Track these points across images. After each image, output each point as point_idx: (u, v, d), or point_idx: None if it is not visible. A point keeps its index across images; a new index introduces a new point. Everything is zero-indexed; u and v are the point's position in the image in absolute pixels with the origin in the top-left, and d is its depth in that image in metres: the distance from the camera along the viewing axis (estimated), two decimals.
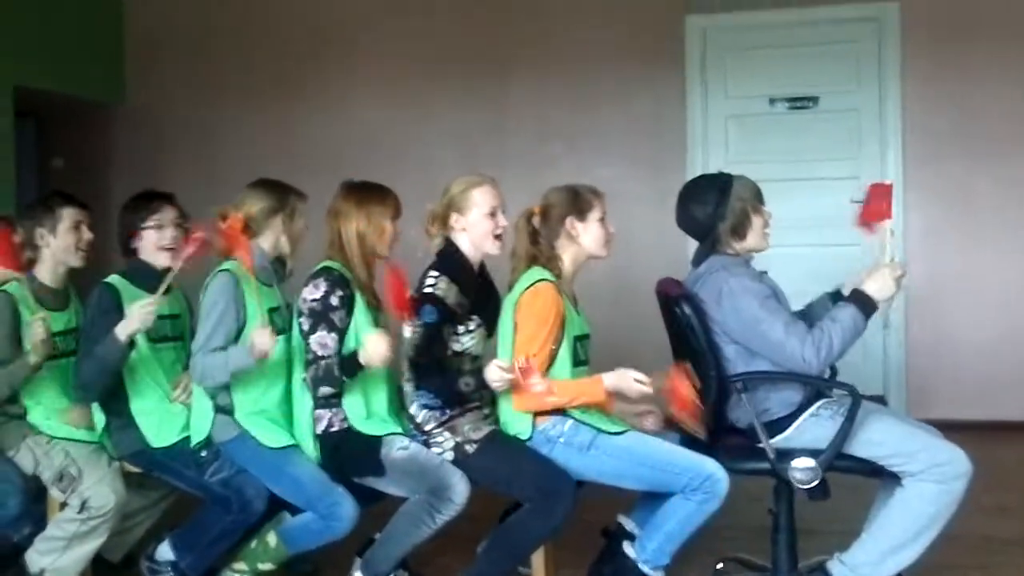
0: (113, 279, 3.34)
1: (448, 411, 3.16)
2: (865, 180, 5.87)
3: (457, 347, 3.16)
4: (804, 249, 5.74)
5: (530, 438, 3.10)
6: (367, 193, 3.27)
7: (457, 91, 6.43)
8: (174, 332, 3.41)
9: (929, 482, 2.98)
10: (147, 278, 3.31)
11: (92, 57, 6.65)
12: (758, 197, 3.27)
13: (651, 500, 3.18)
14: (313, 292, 3.14)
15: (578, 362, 3.18)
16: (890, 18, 5.87)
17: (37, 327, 3.17)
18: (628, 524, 3.30)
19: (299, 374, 3.22)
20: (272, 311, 3.27)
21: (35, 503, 3.39)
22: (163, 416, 3.30)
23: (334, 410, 3.16)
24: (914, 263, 5.86)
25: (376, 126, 6.48)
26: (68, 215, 3.44)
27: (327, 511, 3.12)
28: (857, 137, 6.01)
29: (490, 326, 3.27)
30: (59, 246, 3.43)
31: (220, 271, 3.22)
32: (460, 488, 3.03)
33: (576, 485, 3.08)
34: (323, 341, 3.11)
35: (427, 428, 3.16)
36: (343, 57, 6.53)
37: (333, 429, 3.17)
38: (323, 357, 3.10)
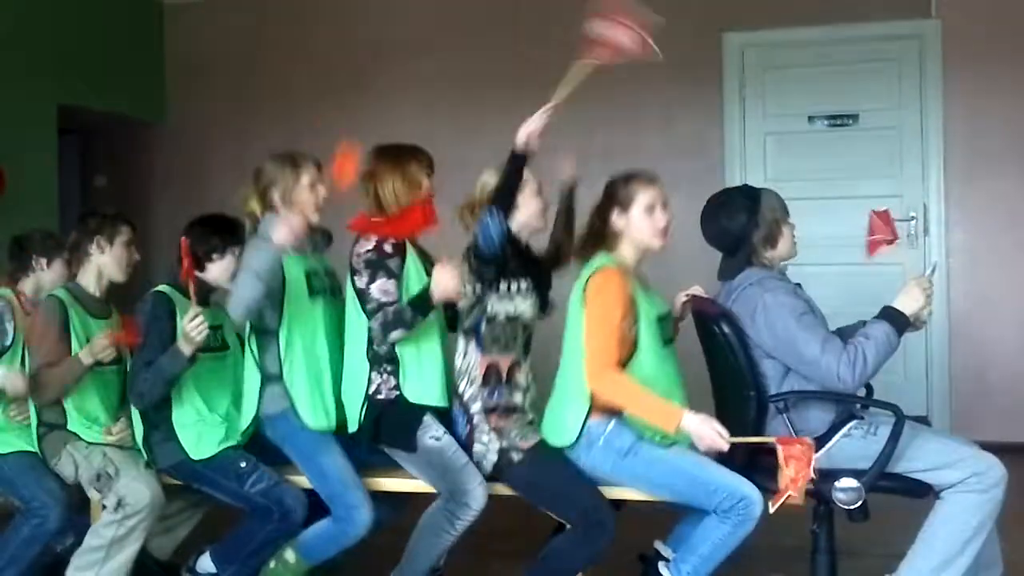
0: (164, 288, 3.39)
1: (494, 396, 3.13)
2: (907, 200, 5.86)
3: (511, 310, 3.14)
4: (843, 268, 5.68)
5: (575, 443, 3.05)
6: (398, 151, 3.32)
7: (497, 112, 6.39)
8: (215, 343, 3.43)
9: (969, 492, 2.96)
10: (199, 293, 3.34)
11: (134, 76, 6.76)
12: (784, 208, 3.28)
13: (687, 525, 3.15)
14: (365, 244, 3.17)
15: (665, 342, 3.12)
16: (931, 35, 5.83)
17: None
18: (665, 550, 3.25)
19: (357, 344, 3.19)
20: (311, 274, 3.29)
21: (78, 514, 3.44)
22: (203, 428, 3.33)
23: (385, 376, 3.17)
24: (957, 283, 5.81)
25: (415, 142, 6.48)
26: (127, 231, 3.58)
27: (343, 513, 3.14)
28: (898, 155, 5.96)
29: (541, 297, 3.26)
30: (112, 258, 3.54)
31: (256, 238, 3.21)
32: (478, 493, 3.05)
33: (616, 509, 3.05)
34: (384, 287, 3.12)
35: (472, 410, 3.14)
36: (383, 78, 6.58)
37: (380, 396, 3.17)
38: (387, 303, 3.11)
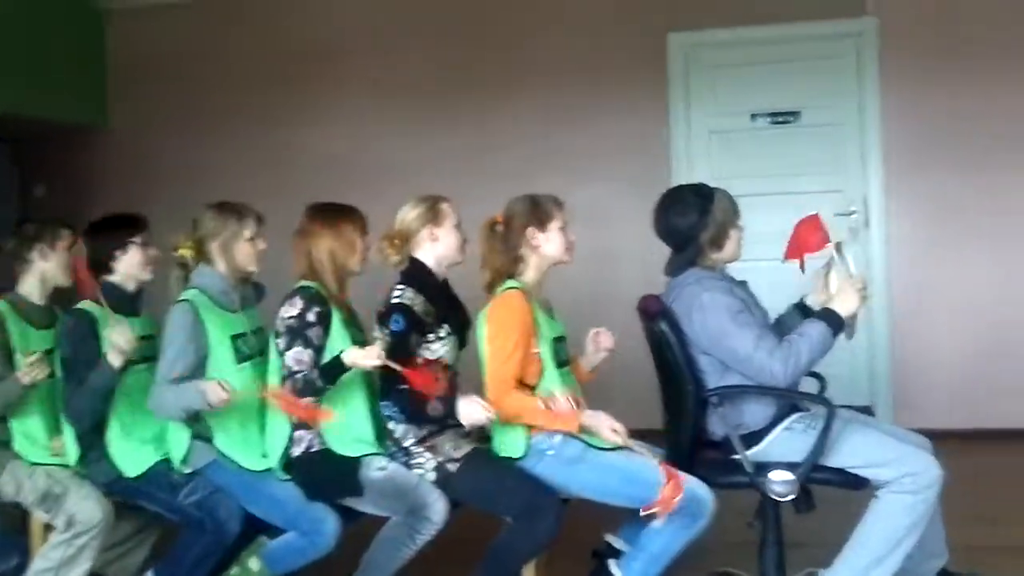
0: (84, 305, 3.35)
1: (426, 426, 3.17)
2: (848, 194, 5.97)
3: (428, 355, 3.19)
4: (788, 263, 5.75)
5: (524, 455, 3.11)
6: (334, 212, 3.32)
7: (440, 112, 6.46)
8: (148, 354, 3.39)
9: (903, 492, 3.02)
10: (121, 300, 3.34)
11: (75, 82, 6.68)
12: (736, 210, 3.32)
13: (637, 519, 3.16)
14: (289, 310, 3.17)
15: (560, 363, 3.21)
16: (867, 32, 5.92)
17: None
18: (616, 542, 3.31)
19: None
20: (237, 337, 3.27)
21: (19, 534, 3.40)
22: (134, 443, 3.29)
23: (313, 432, 3.17)
24: (898, 274, 5.92)
25: (359, 148, 6.51)
26: (67, 235, 3.54)
27: (310, 527, 3.13)
28: (839, 151, 6.04)
29: (460, 337, 3.31)
30: (56, 263, 3.50)
31: (179, 301, 3.23)
32: (438, 507, 3.06)
33: (562, 503, 3.10)
34: (299, 357, 3.12)
35: (406, 444, 3.18)
36: (326, 80, 6.56)
37: (313, 450, 3.17)
38: (298, 372, 3.10)
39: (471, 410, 3.04)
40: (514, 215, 3.26)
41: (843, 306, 3.10)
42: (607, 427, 3.08)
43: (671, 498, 2.96)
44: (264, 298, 3.54)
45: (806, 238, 3.20)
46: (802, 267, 3.26)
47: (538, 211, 3.25)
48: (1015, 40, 5.73)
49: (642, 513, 3.00)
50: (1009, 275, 5.82)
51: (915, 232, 5.93)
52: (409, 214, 3.33)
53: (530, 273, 3.26)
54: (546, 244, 3.24)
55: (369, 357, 3.02)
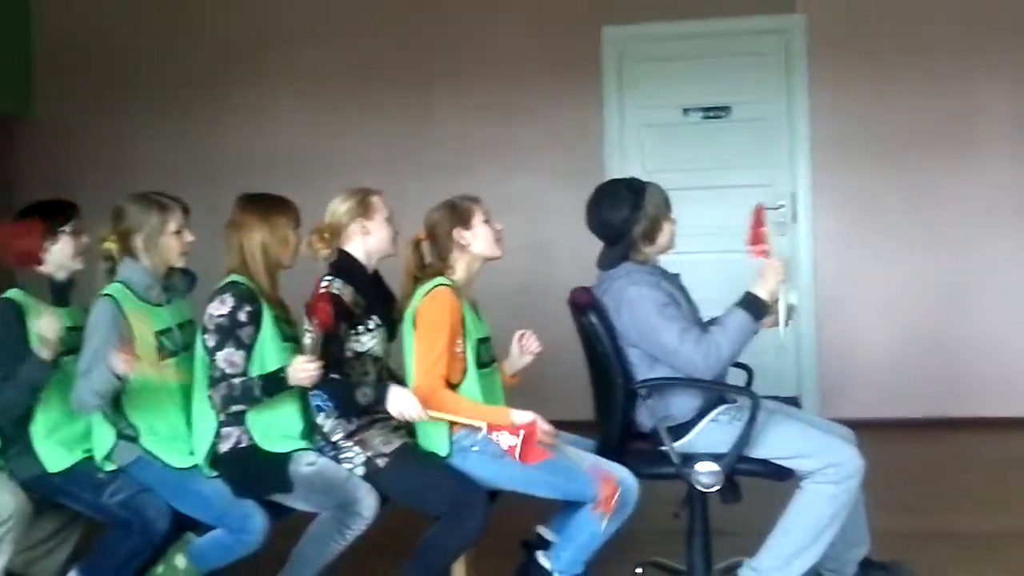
0: (12, 293, 3.25)
1: (355, 420, 3.15)
2: (777, 188, 6.07)
3: (358, 347, 3.17)
4: (719, 256, 5.85)
5: (449, 455, 3.12)
6: (267, 204, 3.26)
7: (378, 103, 6.43)
8: (75, 345, 3.26)
9: (825, 483, 3.08)
10: (51, 290, 3.25)
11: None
12: (668, 204, 3.35)
13: (568, 509, 3.20)
14: (219, 308, 3.10)
15: (482, 364, 3.21)
16: (796, 29, 6.03)
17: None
18: (547, 534, 3.32)
19: (202, 392, 3.16)
20: (162, 333, 3.21)
21: None
22: (59, 438, 3.21)
23: (241, 427, 3.13)
24: (824, 267, 6.05)
25: (296, 138, 6.44)
26: None
27: (238, 525, 3.09)
28: (768, 146, 6.14)
29: (390, 329, 3.29)
30: None
31: (102, 295, 3.15)
32: (369, 502, 3.04)
33: (490, 497, 3.11)
34: (231, 359, 3.07)
35: (335, 439, 3.15)
36: (263, 69, 6.47)
37: (241, 446, 3.13)
38: (231, 375, 3.07)
39: (402, 402, 3.03)
40: (435, 224, 3.26)
41: (760, 287, 3.14)
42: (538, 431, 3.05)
43: (610, 497, 2.99)
44: (195, 286, 3.43)
45: (757, 226, 3.21)
46: (759, 255, 3.21)
47: (457, 212, 3.25)
48: (938, 40, 5.88)
49: (589, 512, 3.02)
50: (930, 268, 5.97)
51: (840, 226, 6.05)
52: (339, 207, 3.29)
53: (460, 273, 3.26)
54: (474, 240, 3.24)
55: (310, 375, 2.99)
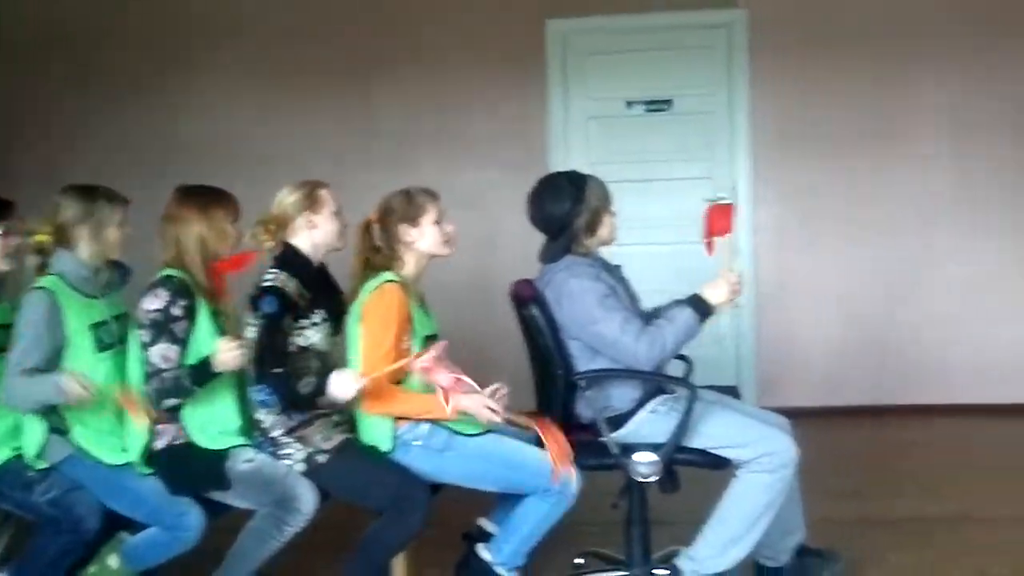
0: None
1: (295, 416, 3.14)
2: (718, 181, 6.14)
3: (302, 341, 3.14)
4: (661, 247, 5.93)
5: (392, 450, 3.11)
6: (206, 196, 3.21)
7: (322, 95, 6.38)
8: (4, 342, 3.21)
9: (760, 472, 3.12)
10: None
11: None
12: (609, 196, 3.37)
13: (509, 501, 3.23)
14: (153, 302, 3.06)
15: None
16: (738, 24, 6.07)
17: None
18: (489, 526, 3.34)
19: (138, 387, 3.11)
20: (98, 325, 3.15)
21: None
22: None
23: (176, 424, 3.10)
24: (763, 259, 6.12)
25: (238, 130, 6.36)
26: None
27: (173, 522, 3.06)
28: (710, 139, 6.19)
29: (335, 323, 3.27)
30: None
31: (35, 288, 3.09)
32: (307, 498, 3.02)
33: (432, 491, 3.11)
34: (165, 353, 3.03)
35: (274, 435, 3.13)
36: (206, 60, 6.37)
37: (177, 442, 3.10)
38: (165, 369, 3.03)
39: (343, 382, 3.02)
40: (387, 212, 3.24)
41: (713, 294, 3.17)
42: (483, 407, 3.08)
43: (562, 456, 3.05)
44: (130, 279, 3.38)
45: (714, 221, 3.24)
46: (709, 249, 3.24)
47: (411, 206, 3.23)
48: (877, 35, 5.95)
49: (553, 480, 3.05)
50: (867, 259, 6.05)
51: (780, 218, 6.12)
52: (287, 199, 3.27)
53: (409, 267, 3.25)
54: (420, 240, 3.23)
55: (235, 357, 2.95)
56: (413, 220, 3.23)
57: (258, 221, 3.25)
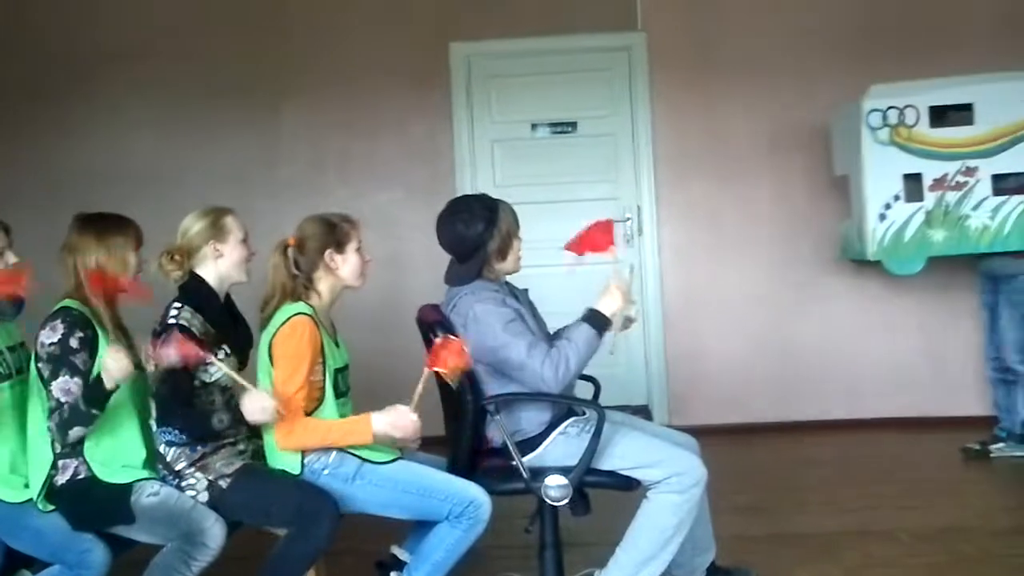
0: None
1: (199, 448, 3.07)
2: (623, 201, 6.21)
3: (206, 377, 3.08)
4: (567, 269, 5.89)
5: (300, 475, 3.06)
6: (105, 224, 3.12)
7: (223, 120, 6.28)
8: None
9: (670, 492, 3.15)
10: None
11: None
12: (518, 222, 3.38)
13: (422, 529, 3.19)
14: (51, 335, 2.97)
15: (339, 393, 3.16)
16: (637, 47, 6.17)
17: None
18: (402, 555, 3.29)
19: (36, 422, 3.02)
20: None
21: None
22: None
23: (79, 458, 3.00)
24: (668, 278, 6.20)
25: (141, 155, 6.22)
26: None
27: (76, 559, 2.95)
28: (614, 160, 6.27)
29: (241, 357, 3.22)
30: None
31: None
32: (215, 532, 2.95)
33: (339, 511, 3.05)
34: (66, 387, 2.93)
35: (178, 468, 3.06)
36: (103, 84, 6.22)
37: (80, 477, 3.00)
38: (67, 403, 2.93)
39: (256, 405, 2.96)
40: (308, 237, 3.19)
41: (606, 305, 3.20)
42: (401, 418, 3.05)
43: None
44: (22, 311, 3.26)
45: (595, 237, 3.27)
46: (578, 252, 3.31)
47: (335, 233, 3.19)
48: (763, 59, 6.08)
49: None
50: (766, 277, 6.16)
51: (683, 238, 6.21)
52: (192, 227, 3.20)
53: (322, 296, 3.20)
54: (343, 266, 3.19)
55: (122, 368, 2.86)
56: (339, 246, 3.19)
57: (163, 251, 3.18)
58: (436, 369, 2.99)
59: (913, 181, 5.21)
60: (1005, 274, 5.15)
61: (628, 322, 3.30)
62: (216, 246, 3.18)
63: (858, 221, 5.40)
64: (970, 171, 5.14)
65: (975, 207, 5.13)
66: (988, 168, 5.13)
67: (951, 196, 5.15)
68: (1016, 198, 5.10)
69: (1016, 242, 5.08)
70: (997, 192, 5.12)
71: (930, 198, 5.17)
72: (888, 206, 5.23)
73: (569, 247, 3.35)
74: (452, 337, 3.05)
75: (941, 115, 5.20)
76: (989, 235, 5.12)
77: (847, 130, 5.43)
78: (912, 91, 5.21)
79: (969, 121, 5.15)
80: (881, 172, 5.23)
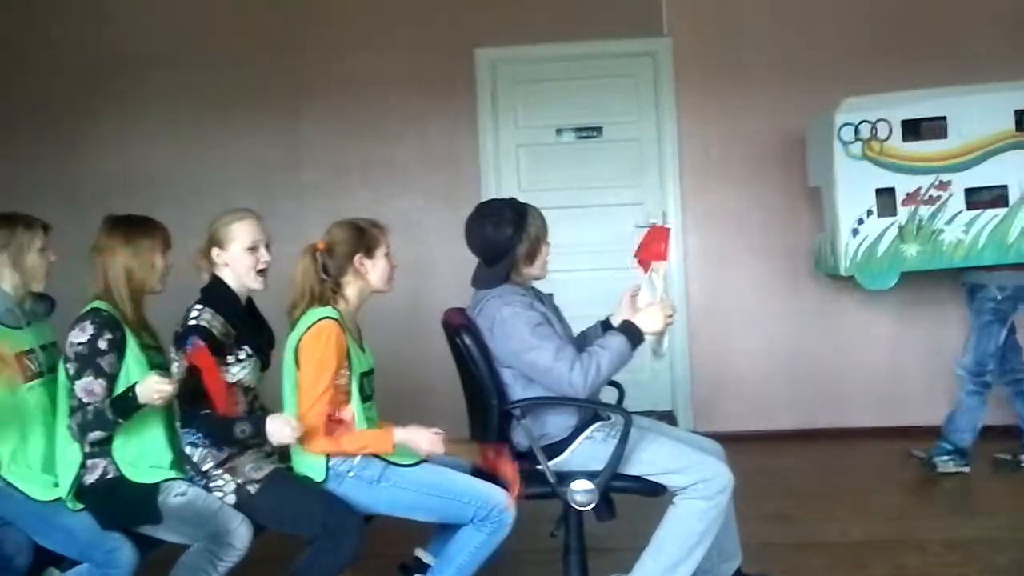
0: None
1: (227, 449, 3.07)
2: (648, 207, 6.19)
3: (228, 378, 3.09)
4: (592, 273, 5.93)
5: (324, 480, 3.07)
6: (133, 227, 3.15)
7: (252, 124, 6.31)
8: None
9: (696, 498, 3.13)
10: None
11: None
12: (546, 227, 3.37)
13: (446, 532, 3.18)
14: (79, 335, 3.00)
15: (365, 398, 3.16)
16: (663, 52, 6.16)
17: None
18: (426, 557, 3.29)
19: (65, 420, 3.04)
20: (27, 353, 3.11)
21: None
22: None
23: (107, 458, 3.02)
24: (693, 284, 6.16)
25: (168, 160, 6.27)
26: None
27: (104, 558, 2.97)
28: (639, 166, 6.25)
29: (263, 358, 3.23)
30: None
31: None
32: (241, 532, 2.95)
33: (365, 519, 3.07)
34: (90, 387, 2.96)
35: (205, 468, 3.06)
36: (131, 89, 6.26)
37: (108, 477, 3.02)
38: (88, 404, 2.95)
39: (279, 428, 2.97)
40: (338, 242, 3.19)
41: (646, 323, 3.18)
42: (424, 441, 3.06)
43: (511, 480, 3.04)
44: (54, 310, 3.32)
45: (651, 244, 3.25)
46: (644, 268, 3.28)
47: (365, 238, 3.20)
48: (787, 64, 6.04)
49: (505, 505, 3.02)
50: (791, 284, 6.10)
51: (708, 243, 6.18)
52: (209, 228, 3.23)
53: (349, 301, 3.21)
54: (372, 271, 3.20)
55: (162, 393, 2.88)
56: (368, 251, 3.19)
57: (201, 249, 3.21)
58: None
59: (886, 195, 5.15)
60: (978, 284, 5.08)
61: (656, 350, 3.31)
62: (218, 253, 3.20)
63: (831, 235, 5.36)
64: (943, 185, 5.07)
65: (948, 221, 5.07)
66: (961, 182, 5.07)
67: (924, 210, 5.09)
68: (990, 212, 5.03)
69: (991, 256, 5.02)
70: (971, 206, 5.06)
71: (903, 212, 5.12)
72: (861, 221, 5.18)
73: (636, 256, 3.30)
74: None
75: (914, 129, 5.15)
76: (963, 249, 5.06)
77: (820, 142, 5.39)
78: (884, 104, 5.16)
79: (942, 134, 5.09)
80: (853, 186, 5.19)
